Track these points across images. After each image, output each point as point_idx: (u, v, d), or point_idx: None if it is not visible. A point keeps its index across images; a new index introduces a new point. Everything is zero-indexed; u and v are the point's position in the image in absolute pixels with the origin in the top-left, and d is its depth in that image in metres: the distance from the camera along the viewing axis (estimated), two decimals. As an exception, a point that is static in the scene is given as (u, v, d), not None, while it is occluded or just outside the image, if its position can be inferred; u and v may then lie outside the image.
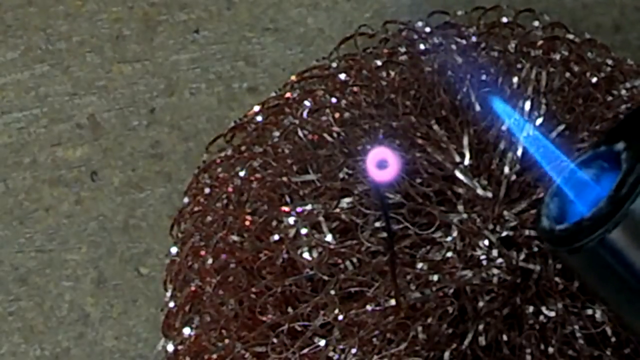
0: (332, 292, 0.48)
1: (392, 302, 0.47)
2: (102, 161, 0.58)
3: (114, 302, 0.56)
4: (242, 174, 0.53)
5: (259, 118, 0.56)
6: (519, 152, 0.50)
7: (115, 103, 0.60)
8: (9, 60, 0.61)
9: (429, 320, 0.47)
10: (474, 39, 0.56)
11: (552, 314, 0.47)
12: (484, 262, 0.48)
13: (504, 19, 0.57)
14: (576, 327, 0.47)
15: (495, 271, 0.48)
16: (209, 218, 0.53)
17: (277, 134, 0.54)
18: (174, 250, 0.54)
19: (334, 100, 0.53)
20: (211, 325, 0.50)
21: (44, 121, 0.59)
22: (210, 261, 0.51)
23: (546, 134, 0.48)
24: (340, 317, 0.47)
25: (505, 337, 0.48)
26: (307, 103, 0.53)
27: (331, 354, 0.47)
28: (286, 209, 0.50)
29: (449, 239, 0.48)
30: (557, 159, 0.40)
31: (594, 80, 0.53)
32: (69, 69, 0.60)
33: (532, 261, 0.48)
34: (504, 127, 0.46)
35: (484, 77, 0.52)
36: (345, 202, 0.50)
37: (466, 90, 0.52)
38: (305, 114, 0.53)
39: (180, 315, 0.52)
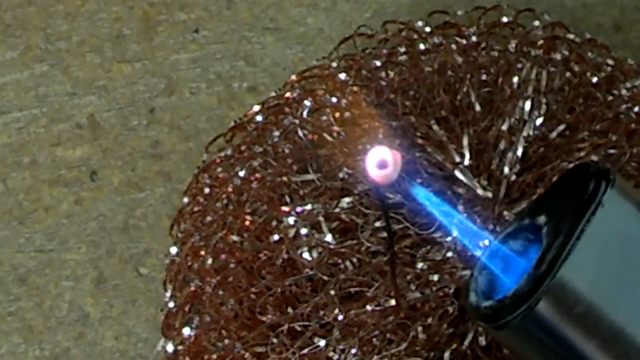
0: (332, 292, 0.48)
1: (392, 302, 0.47)
2: (101, 161, 0.58)
3: (113, 302, 0.56)
4: (242, 174, 0.53)
5: (259, 118, 0.56)
6: (519, 152, 0.50)
7: (115, 103, 0.60)
8: (8, 60, 0.61)
9: (429, 320, 0.47)
10: (474, 38, 0.56)
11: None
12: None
13: (504, 19, 0.57)
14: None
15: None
16: (209, 218, 0.53)
17: (277, 133, 0.54)
18: (173, 250, 0.54)
19: (334, 100, 0.53)
20: (211, 325, 0.50)
21: (43, 121, 0.59)
22: (210, 261, 0.51)
23: (466, 211, 0.48)
24: (340, 317, 0.47)
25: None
26: (307, 103, 0.53)
27: (331, 354, 0.47)
28: (286, 209, 0.50)
29: (449, 239, 0.48)
30: (482, 234, 0.40)
31: (595, 80, 0.53)
32: (69, 68, 0.60)
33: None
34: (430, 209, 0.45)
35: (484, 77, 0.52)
36: (345, 202, 0.50)
37: (466, 90, 0.52)
38: (305, 114, 0.53)
39: (180, 315, 0.52)
